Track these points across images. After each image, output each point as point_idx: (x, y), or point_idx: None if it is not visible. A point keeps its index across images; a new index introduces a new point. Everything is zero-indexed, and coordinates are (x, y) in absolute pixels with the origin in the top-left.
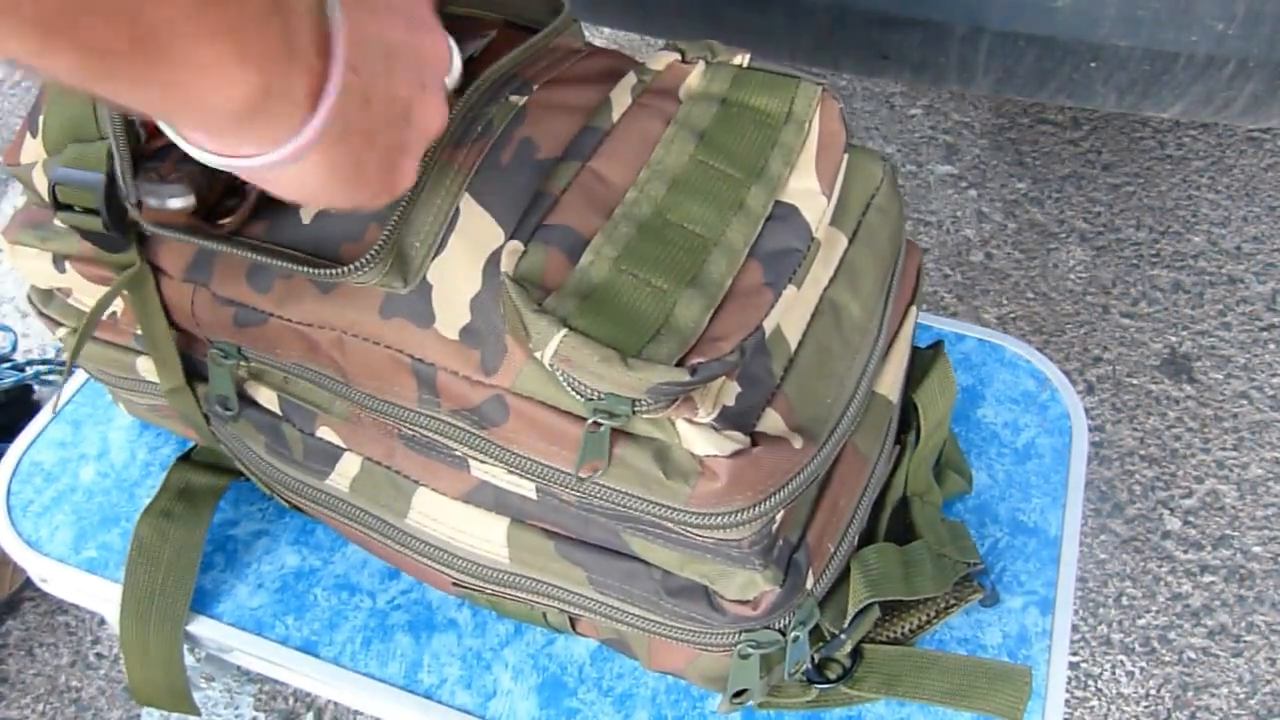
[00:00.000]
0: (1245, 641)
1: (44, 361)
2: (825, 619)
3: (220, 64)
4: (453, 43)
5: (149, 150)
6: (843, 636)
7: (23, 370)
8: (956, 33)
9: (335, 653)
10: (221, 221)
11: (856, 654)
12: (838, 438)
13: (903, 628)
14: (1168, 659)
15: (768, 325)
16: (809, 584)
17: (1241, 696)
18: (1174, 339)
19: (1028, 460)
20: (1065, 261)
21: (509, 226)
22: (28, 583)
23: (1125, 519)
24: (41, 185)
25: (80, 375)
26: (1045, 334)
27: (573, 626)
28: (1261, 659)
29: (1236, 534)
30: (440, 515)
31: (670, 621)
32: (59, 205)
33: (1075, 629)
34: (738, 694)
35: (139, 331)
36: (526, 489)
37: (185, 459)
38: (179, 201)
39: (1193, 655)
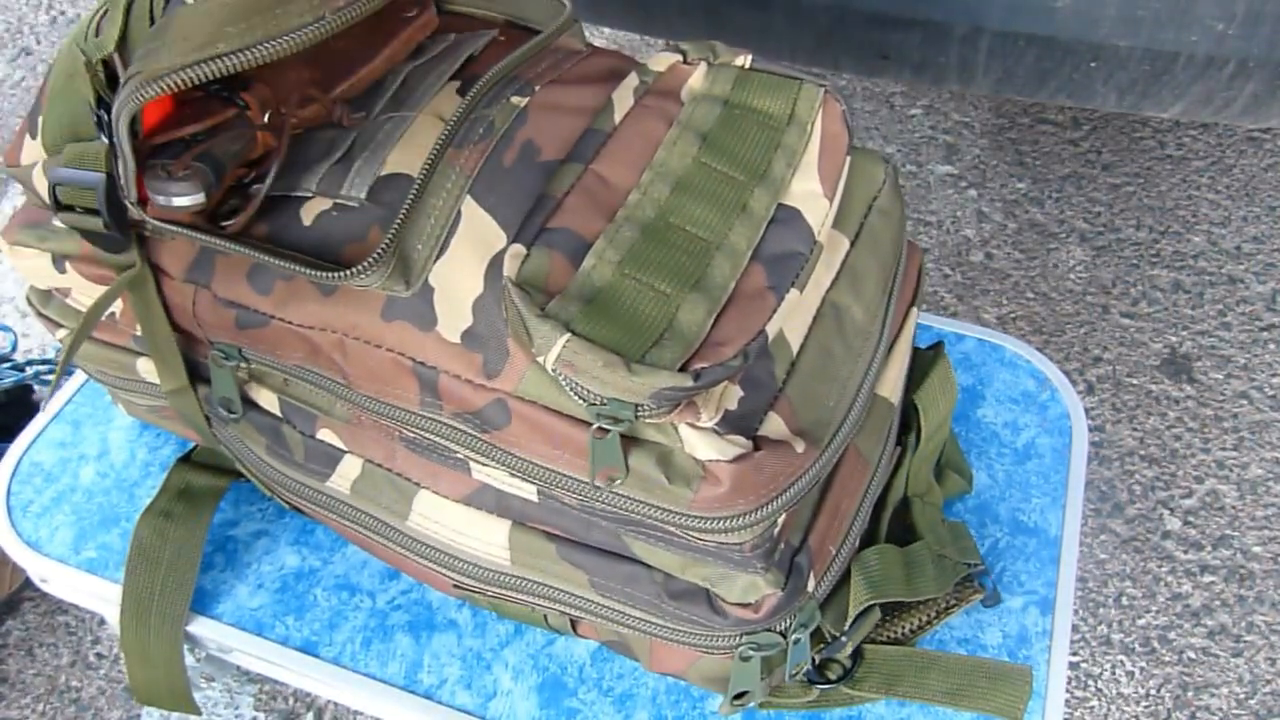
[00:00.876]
0: (1245, 641)
1: (44, 361)
2: (826, 621)
3: None
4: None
5: (148, 148)
6: (844, 638)
7: (23, 370)
8: (956, 33)
9: (335, 653)
10: (225, 223)
11: (857, 654)
12: (840, 441)
13: (903, 628)
14: (1168, 659)
15: (770, 329)
16: (810, 586)
17: (1241, 696)
18: (1174, 339)
19: (1028, 460)
20: (1065, 261)
21: (511, 229)
22: (27, 583)
23: (1125, 519)
24: (41, 186)
25: (80, 375)
26: (1045, 334)
27: (574, 628)
28: (1261, 659)
29: (1236, 534)
30: (441, 518)
31: (671, 624)
32: (59, 205)
33: (1075, 629)
34: (739, 695)
35: (138, 332)
36: (528, 492)
37: (185, 459)
38: (187, 200)
39: (1193, 655)
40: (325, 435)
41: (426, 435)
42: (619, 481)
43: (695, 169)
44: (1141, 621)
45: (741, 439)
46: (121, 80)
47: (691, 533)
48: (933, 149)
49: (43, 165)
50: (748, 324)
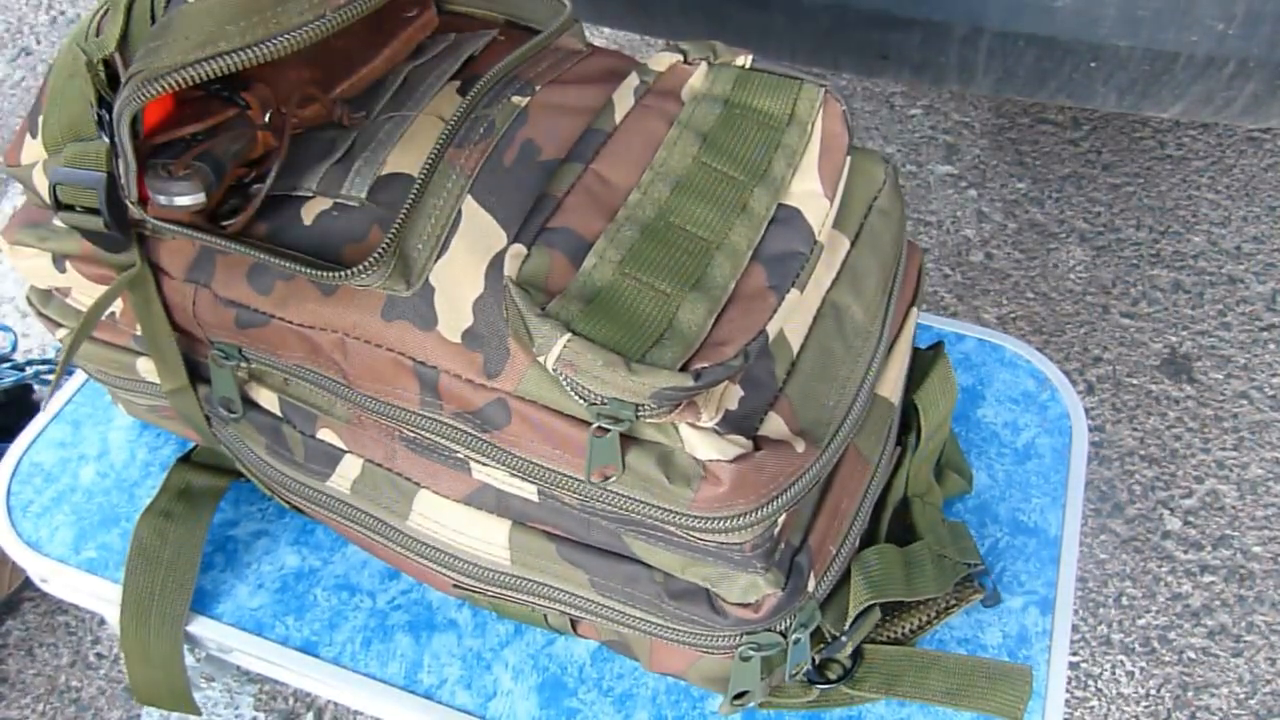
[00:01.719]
0: (1245, 641)
1: (44, 361)
2: (826, 621)
3: None
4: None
5: (149, 147)
6: (844, 638)
7: (23, 370)
8: (956, 33)
9: (335, 653)
10: (225, 223)
11: (857, 654)
12: (840, 441)
13: (903, 628)
14: (1168, 659)
15: (771, 329)
16: (810, 586)
17: (1241, 696)
18: (1174, 339)
19: (1028, 460)
20: (1065, 261)
21: (512, 229)
22: (27, 583)
23: (1125, 519)
24: (41, 185)
25: (80, 375)
26: (1045, 334)
27: (574, 628)
28: (1261, 659)
29: (1236, 534)
30: (441, 518)
31: (672, 624)
32: (59, 205)
33: (1075, 629)
34: (739, 695)
35: (138, 332)
36: (528, 492)
37: (185, 459)
38: (188, 199)
39: (1193, 655)
40: (325, 435)
41: (427, 435)
42: (614, 479)
43: (695, 169)
44: (1141, 621)
45: (742, 439)
46: (122, 79)
47: (692, 533)
48: (933, 149)
49: (43, 165)
50: (748, 324)
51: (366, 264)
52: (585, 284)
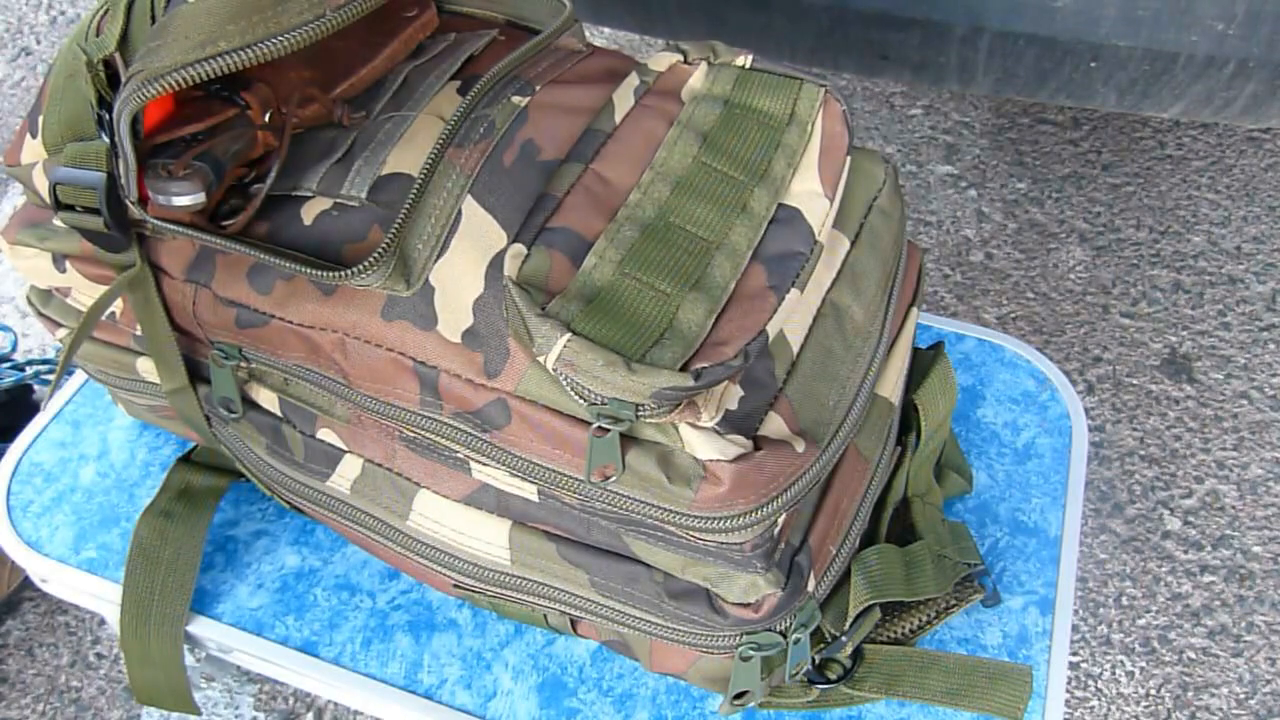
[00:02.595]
0: (1245, 641)
1: (44, 361)
2: (826, 621)
3: None
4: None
5: (149, 147)
6: (844, 638)
7: (23, 370)
8: (956, 33)
9: (335, 653)
10: (225, 223)
11: (857, 654)
12: (840, 441)
13: (903, 628)
14: (1168, 659)
15: (771, 329)
16: (810, 586)
17: (1241, 696)
18: (1174, 339)
19: (1028, 460)
20: (1065, 261)
21: (512, 229)
22: (27, 582)
23: (1125, 519)
24: (42, 185)
25: (80, 375)
26: (1045, 334)
27: (574, 628)
28: (1261, 659)
29: (1236, 534)
30: (441, 518)
31: (672, 624)
32: (59, 205)
33: (1075, 629)
34: (739, 695)
35: (138, 332)
36: (528, 492)
37: (185, 459)
38: (188, 199)
39: (1193, 655)
40: (325, 435)
41: (427, 435)
42: (614, 479)
43: (696, 169)
44: (1141, 621)
45: (742, 439)
46: (123, 79)
47: (692, 532)
48: (933, 149)
49: (43, 164)
50: (748, 324)
51: (366, 264)
52: (585, 284)
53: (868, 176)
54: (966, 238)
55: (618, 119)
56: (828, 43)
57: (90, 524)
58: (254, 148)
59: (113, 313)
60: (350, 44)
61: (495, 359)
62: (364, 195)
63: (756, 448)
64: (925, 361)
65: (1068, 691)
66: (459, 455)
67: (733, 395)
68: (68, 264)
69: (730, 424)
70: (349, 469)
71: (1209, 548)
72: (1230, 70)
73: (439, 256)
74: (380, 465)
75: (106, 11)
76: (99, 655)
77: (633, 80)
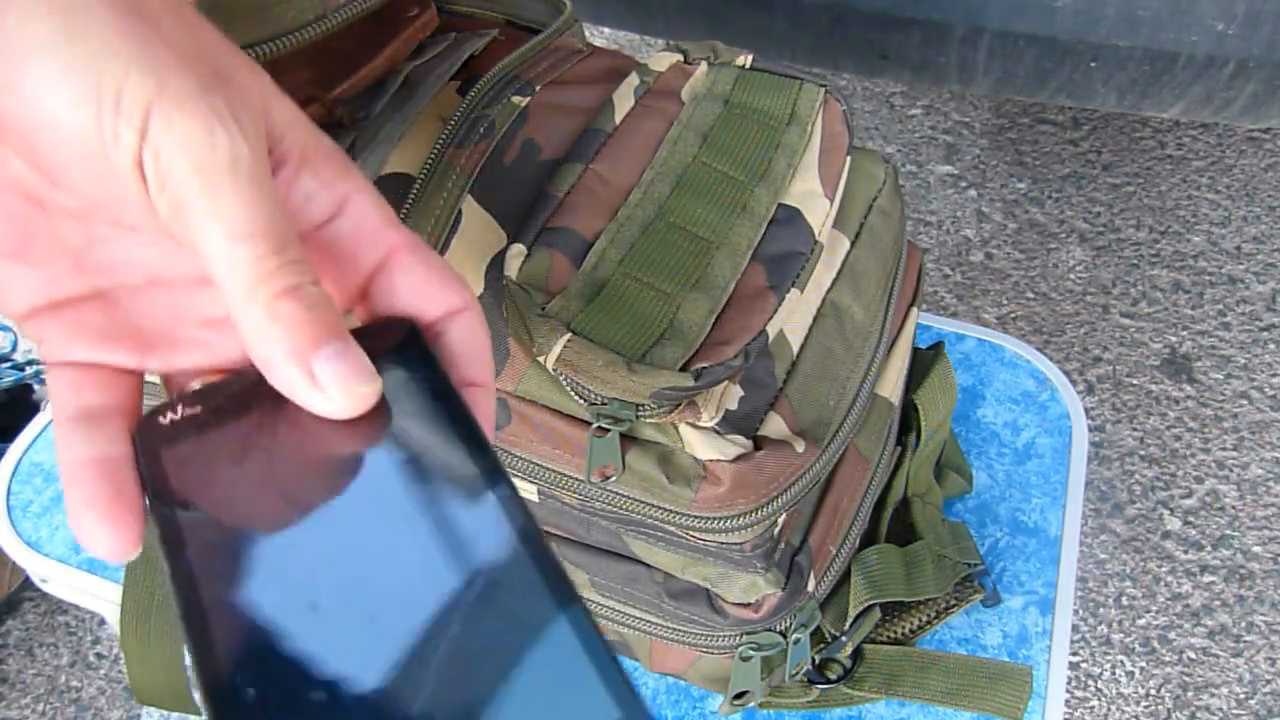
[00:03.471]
0: (1245, 641)
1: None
2: (826, 620)
3: None
4: None
5: None
6: (844, 638)
7: (23, 370)
8: (956, 33)
9: None
10: None
11: (857, 654)
12: (840, 441)
13: (903, 628)
14: (1168, 659)
15: (771, 329)
16: (810, 586)
17: (1241, 696)
18: (1174, 339)
19: (1028, 460)
20: (1065, 261)
21: (511, 229)
22: (27, 582)
23: (1125, 519)
24: None
25: None
26: (1045, 334)
27: None
28: (1261, 659)
29: (1236, 534)
30: None
31: (672, 624)
32: None
33: (1075, 629)
34: (739, 695)
35: None
36: (528, 492)
37: None
38: None
39: (1193, 655)
40: None
41: None
42: (614, 479)
43: (696, 168)
44: (1141, 621)
45: (742, 439)
46: None
47: (692, 532)
48: (933, 149)
49: None
50: (748, 323)
51: None
52: (585, 284)
53: (868, 176)
54: (966, 238)
55: (618, 119)
56: (828, 43)
57: None
58: None
59: None
60: (350, 44)
61: (495, 359)
62: None
63: (757, 448)
64: (925, 361)
65: (1068, 691)
66: None
67: (733, 395)
68: None
69: (730, 424)
70: None
71: (1209, 548)
72: (1230, 70)
73: None
74: None
75: None
76: (99, 655)
77: (633, 80)
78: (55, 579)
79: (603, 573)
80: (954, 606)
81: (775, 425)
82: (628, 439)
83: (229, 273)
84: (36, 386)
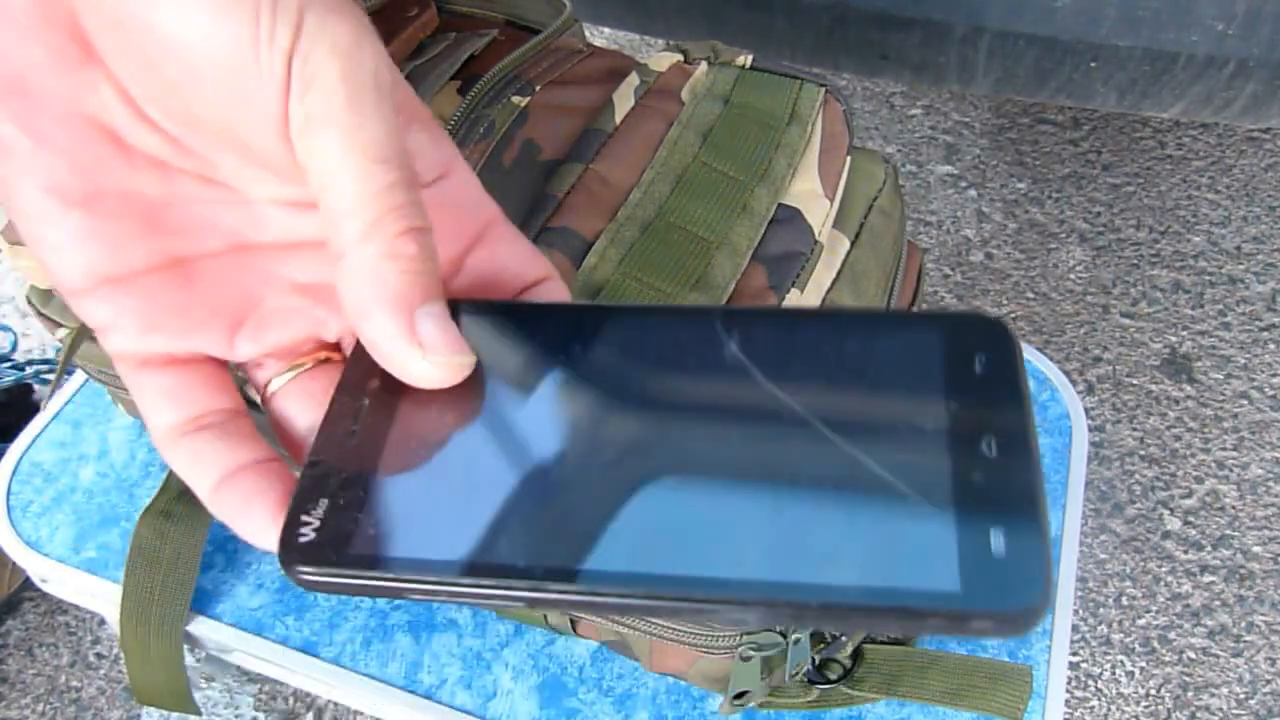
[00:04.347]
0: (1245, 641)
1: (44, 361)
2: None
3: None
4: None
5: None
6: (844, 638)
7: (23, 370)
8: (956, 33)
9: (335, 653)
10: None
11: (857, 654)
12: None
13: None
14: (1168, 659)
15: None
16: None
17: (1241, 696)
18: (1174, 339)
19: None
20: (1065, 261)
21: None
22: (27, 582)
23: (1125, 519)
24: None
25: (80, 375)
26: (1045, 334)
27: (573, 628)
28: (1261, 659)
29: (1236, 534)
30: None
31: (672, 624)
32: None
33: (1075, 629)
34: (739, 695)
35: None
36: None
37: None
38: None
39: (1193, 655)
40: None
41: None
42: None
43: (696, 168)
44: (1141, 621)
45: None
46: None
47: None
48: (933, 149)
49: None
50: None
51: None
52: (586, 283)
53: (867, 176)
54: (966, 238)
55: (618, 119)
56: (828, 43)
57: (90, 524)
58: None
59: None
60: None
61: None
62: None
63: None
64: None
65: (1068, 691)
66: None
67: None
68: None
69: None
70: None
71: (1209, 548)
72: (1230, 70)
73: None
74: None
75: None
76: (99, 655)
77: (633, 80)
78: (55, 579)
79: None
80: None
81: None
82: None
83: (356, 196)
84: (36, 386)
